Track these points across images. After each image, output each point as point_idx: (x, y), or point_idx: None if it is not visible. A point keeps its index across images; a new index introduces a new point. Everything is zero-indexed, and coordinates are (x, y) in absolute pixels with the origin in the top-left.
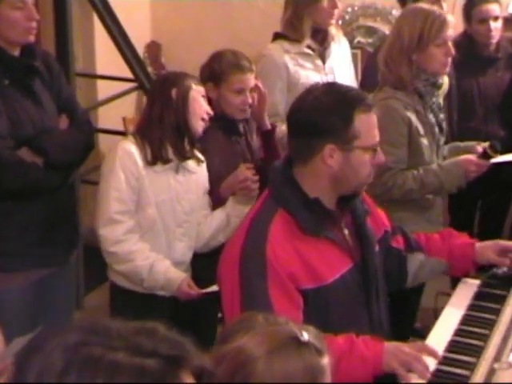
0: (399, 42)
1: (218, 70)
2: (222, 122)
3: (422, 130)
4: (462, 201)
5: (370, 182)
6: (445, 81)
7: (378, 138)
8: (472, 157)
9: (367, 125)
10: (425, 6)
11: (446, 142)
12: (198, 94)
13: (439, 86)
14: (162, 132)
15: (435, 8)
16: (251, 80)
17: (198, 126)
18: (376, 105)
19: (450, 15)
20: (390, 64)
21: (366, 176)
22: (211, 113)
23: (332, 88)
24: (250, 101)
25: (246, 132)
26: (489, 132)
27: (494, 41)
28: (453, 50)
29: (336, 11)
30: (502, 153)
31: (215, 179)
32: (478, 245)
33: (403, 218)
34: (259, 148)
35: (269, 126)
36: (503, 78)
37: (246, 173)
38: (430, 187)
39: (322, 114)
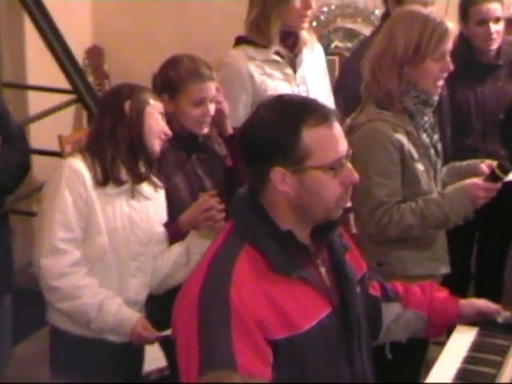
0: (391, 51)
1: (175, 79)
2: (182, 141)
3: (416, 154)
4: (456, 233)
5: (361, 221)
6: None
7: (341, 154)
8: (478, 180)
9: (321, 140)
10: (422, 9)
11: (444, 164)
12: (154, 110)
13: (432, 104)
14: (114, 149)
15: (434, 13)
16: (212, 89)
17: (155, 145)
18: (359, 128)
19: (451, 22)
20: (379, 76)
21: (334, 199)
22: (169, 133)
23: (278, 101)
24: (211, 113)
25: (207, 145)
26: (488, 151)
27: (495, 45)
28: (451, 66)
29: (309, 12)
30: None
31: (178, 205)
32: (463, 300)
33: (403, 258)
34: (225, 157)
35: (231, 131)
36: (505, 88)
37: (209, 201)
38: (433, 220)
39: (264, 133)
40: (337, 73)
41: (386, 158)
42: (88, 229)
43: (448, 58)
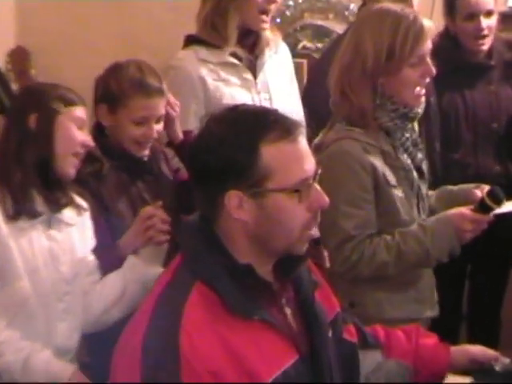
0: (360, 61)
1: (116, 90)
2: (123, 161)
3: (393, 179)
4: (444, 267)
5: (330, 256)
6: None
7: (307, 173)
8: (466, 210)
9: (283, 157)
10: (391, 6)
11: (433, 187)
12: (68, 119)
13: (413, 118)
14: (24, 173)
15: (406, 9)
16: (159, 107)
17: (67, 165)
18: (325, 148)
19: (427, 20)
20: (348, 92)
21: (299, 227)
22: (90, 144)
23: (232, 113)
24: (155, 135)
25: (153, 165)
26: (479, 166)
27: (486, 45)
28: (432, 69)
29: (273, 6)
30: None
31: (122, 234)
32: (455, 347)
33: (378, 299)
34: (178, 171)
35: (181, 137)
36: (498, 92)
37: (151, 210)
38: (412, 257)
39: (216, 151)
40: (305, 78)
41: (355, 183)
42: (4, 273)
43: (428, 61)
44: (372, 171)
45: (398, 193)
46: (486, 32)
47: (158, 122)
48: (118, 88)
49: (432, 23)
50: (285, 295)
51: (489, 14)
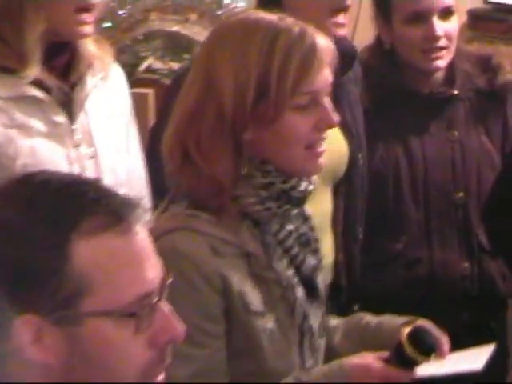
0: (213, 103)
1: None
2: None
3: (257, 301)
4: None
5: None
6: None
7: (149, 286)
8: (375, 360)
9: (109, 259)
10: (266, 14)
11: (348, 304)
12: None
13: (300, 199)
14: None
15: (288, 18)
16: None
17: None
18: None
19: (323, 39)
20: (195, 154)
21: (137, 373)
22: None
23: (29, 185)
24: None
25: None
26: (435, 263)
27: (443, 59)
28: (333, 117)
29: (98, 5)
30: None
31: None
32: None
33: None
34: None
35: None
36: (464, 141)
37: None
38: None
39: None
40: (151, 115)
41: (194, 307)
42: None
43: (326, 102)
44: (223, 288)
45: (266, 323)
46: (442, 42)
47: None
48: None
49: (329, 43)
50: None
51: (446, 13)
